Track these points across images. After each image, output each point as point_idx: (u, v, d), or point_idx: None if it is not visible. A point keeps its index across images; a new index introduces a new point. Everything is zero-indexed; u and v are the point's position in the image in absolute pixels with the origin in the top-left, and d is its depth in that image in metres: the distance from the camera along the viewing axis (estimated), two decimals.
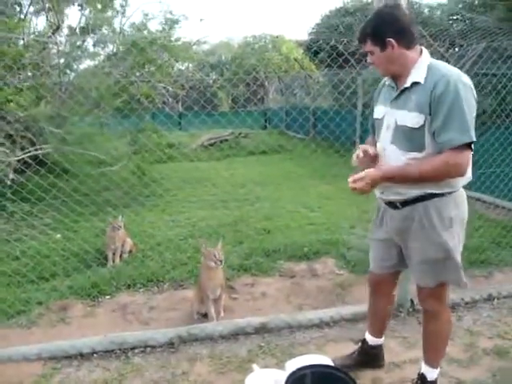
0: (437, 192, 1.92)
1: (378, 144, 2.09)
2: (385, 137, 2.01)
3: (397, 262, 2.22)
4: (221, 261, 3.01)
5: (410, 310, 3.12)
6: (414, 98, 1.87)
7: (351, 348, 2.63)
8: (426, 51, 1.94)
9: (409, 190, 1.94)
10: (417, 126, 1.86)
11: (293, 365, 2.20)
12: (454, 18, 11.06)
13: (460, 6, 10.71)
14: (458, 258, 2.04)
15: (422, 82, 1.85)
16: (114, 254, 4.08)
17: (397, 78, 1.96)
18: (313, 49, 9.99)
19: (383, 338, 2.51)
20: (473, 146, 1.82)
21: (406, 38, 1.87)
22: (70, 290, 3.52)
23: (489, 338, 2.84)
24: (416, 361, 2.48)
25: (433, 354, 2.21)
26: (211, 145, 11.37)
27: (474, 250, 4.10)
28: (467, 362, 2.58)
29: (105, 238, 4.17)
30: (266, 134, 13.59)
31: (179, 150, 9.90)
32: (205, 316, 3.12)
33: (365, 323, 2.95)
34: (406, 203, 1.98)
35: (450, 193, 1.94)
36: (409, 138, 1.89)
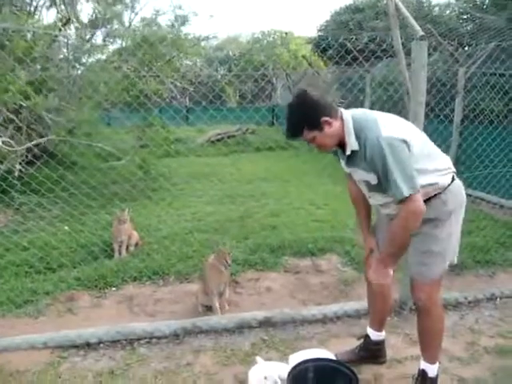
0: (435, 193, 2.03)
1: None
2: (362, 188, 2.14)
3: None
4: (230, 265, 3.11)
5: (413, 307, 3.14)
6: (358, 161, 1.98)
7: (354, 343, 2.66)
8: (343, 111, 2.00)
9: None
10: (375, 183, 1.98)
11: (296, 358, 2.23)
12: (464, 17, 10.99)
13: (470, 5, 10.64)
14: (454, 244, 2.14)
15: (358, 148, 1.95)
16: (120, 246, 4.13)
17: (341, 145, 2.05)
18: (321, 46, 9.95)
19: (384, 333, 2.54)
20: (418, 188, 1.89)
21: (331, 111, 1.96)
22: (78, 281, 3.58)
23: (490, 337, 2.85)
24: (418, 357, 2.48)
25: (429, 350, 2.25)
26: (218, 140, 11.41)
27: (478, 249, 4.12)
28: (468, 359, 2.60)
29: (112, 231, 4.22)
30: (274, 130, 13.59)
31: (186, 145, 9.95)
32: (209, 309, 3.16)
33: (367, 319, 2.99)
34: None
35: (442, 191, 2.04)
36: (379, 187, 1.99)
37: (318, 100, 1.95)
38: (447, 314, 3.16)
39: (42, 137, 5.14)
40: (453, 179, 2.08)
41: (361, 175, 2.04)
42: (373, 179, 1.97)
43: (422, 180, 1.92)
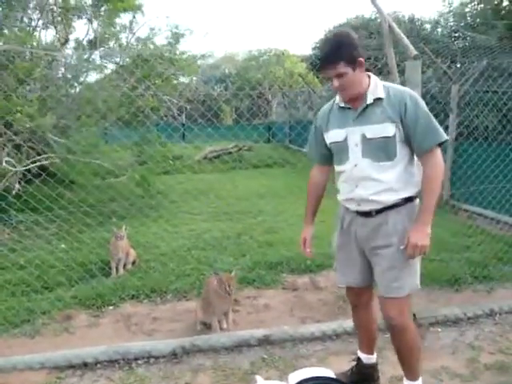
0: (410, 195, 2.05)
1: (338, 166, 2.18)
2: (354, 154, 2.07)
3: (366, 274, 2.23)
4: (230, 294, 3.03)
5: None
6: (379, 111, 2.00)
7: (353, 362, 2.64)
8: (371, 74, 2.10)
9: (386, 197, 2.03)
10: (391, 135, 1.98)
11: (296, 377, 2.21)
12: (456, 35, 11.21)
13: (462, 24, 10.86)
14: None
15: (384, 96, 2.00)
16: (117, 264, 4.11)
17: (354, 99, 2.06)
18: (317, 65, 10.09)
19: (375, 355, 2.49)
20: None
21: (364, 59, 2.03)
22: (75, 299, 3.55)
23: (491, 354, 2.84)
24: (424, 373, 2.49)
25: (409, 367, 2.22)
26: (215, 157, 11.45)
27: (476, 264, 4.13)
28: (469, 376, 2.59)
29: (109, 248, 4.21)
30: (270, 147, 13.66)
31: (184, 162, 9.97)
32: (208, 327, 3.14)
33: None
34: (380, 211, 2.06)
35: (414, 199, 2.07)
36: (382, 148, 2.00)
37: (360, 44, 2.00)
38: (446, 331, 3.17)
39: (40, 155, 5.16)
40: (416, 197, 2.10)
41: (371, 130, 2.00)
42: (389, 131, 1.97)
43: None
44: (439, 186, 2.01)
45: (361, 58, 1.96)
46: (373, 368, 2.49)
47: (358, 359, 2.51)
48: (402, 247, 2.01)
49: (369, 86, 2.03)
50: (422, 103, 1.99)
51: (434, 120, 1.98)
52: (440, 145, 2.00)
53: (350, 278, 2.28)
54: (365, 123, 2.03)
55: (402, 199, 2.03)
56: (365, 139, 2.03)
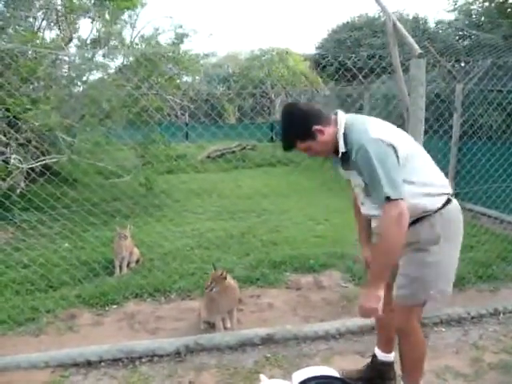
0: (418, 217, 1.96)
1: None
2: (359, 193, 2.10)
3: None
4: (210, 290, 3.00)
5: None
6: (350, 163, 1.95)
7: (357, 361, 2.64)
8: (340, 115, 2.00)
9: None
10: (362, 183, 1.96)
11: (299, 376, 2.21)
12: (460, 34, 11.16)
13: (466, 22, 10.82)
14: (445, 269, 2.02)
15: (345, 149, 1.94)
16: (121, 262, 4.12)
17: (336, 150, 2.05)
18: (322, 64, 10.10)
19: (393, 355, 2.45)
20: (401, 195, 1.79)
21: (322, 119, 1.96)
22: (79, 298, 3.57)
23: (494, 353, 2.84)
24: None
25: (409, 374, 2.20)
26: (219, 156, 11.46)
27: (480, 264, 4.12)
28: (473, 376, 2.59)
29: (113, 247, 4.22)
30: (274, 146, 13.66)
31: (187, 162, 9.99)
32: (212, 326, 3.14)
33: (370, 336, 2.98)
34: None
35: (432, 213, 1.96)
36: (370, 190, 1.94)
37: (307, 110, 1.97)
38: (450, 330, 3.16)
39: (44, 154, 5.18)
40: (447, 203, 1.97)
41: (354, 176, 2.01)
42: (359, 179, 1.94)
43: (407, 196, 1.81)
44: (390, 249, 1.79)
45: (315, 127, 1.94)
46: (389, 366, 2.46)
47: (374, 356, 2.50)
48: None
49: (337, 138, 1.96)
50: (370, 155, 1.79)
51: (381, 174, 1.77)
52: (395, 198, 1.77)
53: None
54: (346, 169, 2.04)
55: (415, 219, 1.96)
56: (357, 183, 2.04)
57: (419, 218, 1.96)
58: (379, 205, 1.83)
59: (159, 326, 3.26)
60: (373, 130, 1.86)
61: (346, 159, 1.97)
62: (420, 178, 1.93)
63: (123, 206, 5.13)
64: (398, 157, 1.84)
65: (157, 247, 4.70)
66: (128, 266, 4.17)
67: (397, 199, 1.75)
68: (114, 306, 3.53)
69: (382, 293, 1.86)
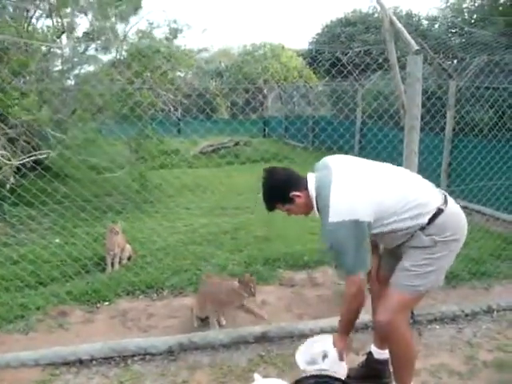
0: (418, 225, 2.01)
1: None
2: None
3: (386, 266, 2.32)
4: (254, 295, 3.00)
5: (410, 321, 3.12)
6: None
7: (351, 358, 2.62)
8: (309, 180, 2.12)
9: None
10: None
11: (305, 349, 2.28)
12: (453, 31, 11.18)
13: (459, 19, 10.84)
14: (438, 266, 2.06)
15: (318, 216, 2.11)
16: (113, 259, 4.07)
17: None
18: (317, 60, 10.08)
19: (387, 351, 2.40)
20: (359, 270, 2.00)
21: (299, 183, 2.12)
22: (70, 295, 3.51)
23: (489, 351, 2.84)
24: (418, 372, 2.50)
25: (398, 373, 2.20)
26: (212, 151, 11.40)
27: (474, 261, 4.12)
28: (468, 374, 2.58)
29: (105, 243, 4.16)
30: (267, 141, 13.63)
31: (179, 157, 9.93)
32: (204, 322, 3.10)
33: (364, 334, 2.97)
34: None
35: (421, 228, 2.00)
36: None
37: (285, 176, 2.15)
38: (444, 328, 3.16)
39: (35, 149, 5.10)
40: (435, 216, 1.99)
41: None
42: None
43: (395, 225, 1.99)
44: (350, 313, 2.09)
45: (293, 193, 2.09)
46: (384, 364, 2.45)
47: (369, 353, 2.50)
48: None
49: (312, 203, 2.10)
50: (329, 239, 1.98)
51: (342, 253, 1.97)
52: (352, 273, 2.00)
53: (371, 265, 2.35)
54: None
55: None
56: None
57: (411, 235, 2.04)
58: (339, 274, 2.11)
59: (152, 323, 3.22)
60: (332, 209, 1.94)
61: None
62: (393, 216, 1.99)
63: (115, 202, 5.07)
64: (362, 223, 1.93)
65: (149, 243, 4.65)
66: (120, 262, 4.12)
67: (355, 275, 1.98)
68: (106, 303, 3.49)
69: (346, 339, 2.17)
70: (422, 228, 1.99)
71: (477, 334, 3.06)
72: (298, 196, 2.10)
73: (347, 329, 2.17)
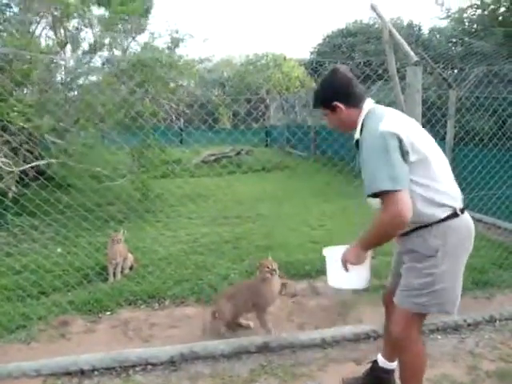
0: (421, 225, 1.93)
1: None
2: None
3: (395, 278, 2.24)
4: (274, 270, 2.99)
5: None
6: (360, 151, 1.96)
7: (352, 368, 2.61)
8: (367, 102, 2.02)
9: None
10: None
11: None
12: (453, 41, 11.25)
13: (460, 29, 10.91)
14: (442, 286, 1.98)
15: (358, 137, 2.00)
16: (115, 268, 4.07)
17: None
18: (318, 71, 10.13)
19: (395, 364, 2.37)
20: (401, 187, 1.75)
21: (351, 99, 2.01)
22: (71, 305, 3.51)
23: (491, 361, 2.82)
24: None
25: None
26: (214, 161, 11.44)
27: (476, 271, 4.11)
28: None
29: (106, 252, 4.17)
30: (269, 151, 13.67)
31: (182, 166, 9.95)
32: (233, 328, 3.12)
33: (366, 343, 2.96)
34: (402, 235, 2.02)
35: (433, 224, 1.92)
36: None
37: (340, 86, 2.01)
38: (446, 338, 3.15)
39: (37, 158, 5.13)
40: (452, 216, 1.92)
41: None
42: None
43: (421, 191, 1.85)
44: (377, 235, 1.87)
45: (337, 102, 2.00)
46: (389, 373, 2.41)
47: (375, 361, 2.46)
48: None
49: (357, 122, 2.01)
50: (373, 146, 1.82)
51: (390, 162, 1.76)
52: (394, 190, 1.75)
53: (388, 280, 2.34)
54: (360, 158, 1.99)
55: (414, 228, 1.95)
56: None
57: (416, 228, 1.94)
58: (367, 194, 1.85)
59: (153, 333, 3.22)
60: (385, 122, 1.85)
61: (358, 146, 2.00)
62: (425, 180, 1.87)
63: (117, 211, 5.08)
64: (403, 150, 1.80)
65: (151, 253, 4.65)
66: (122, 272, 4.13)
67: (394, 192, 1.73)
68: (108, 313, 3.48)
69: (364, 255, 2.01)
70: (431, 224, 1.90)
71: (479, 344, 3.04)
72: (340, 109, 2.00)
73: (366, 245, 1.98)
